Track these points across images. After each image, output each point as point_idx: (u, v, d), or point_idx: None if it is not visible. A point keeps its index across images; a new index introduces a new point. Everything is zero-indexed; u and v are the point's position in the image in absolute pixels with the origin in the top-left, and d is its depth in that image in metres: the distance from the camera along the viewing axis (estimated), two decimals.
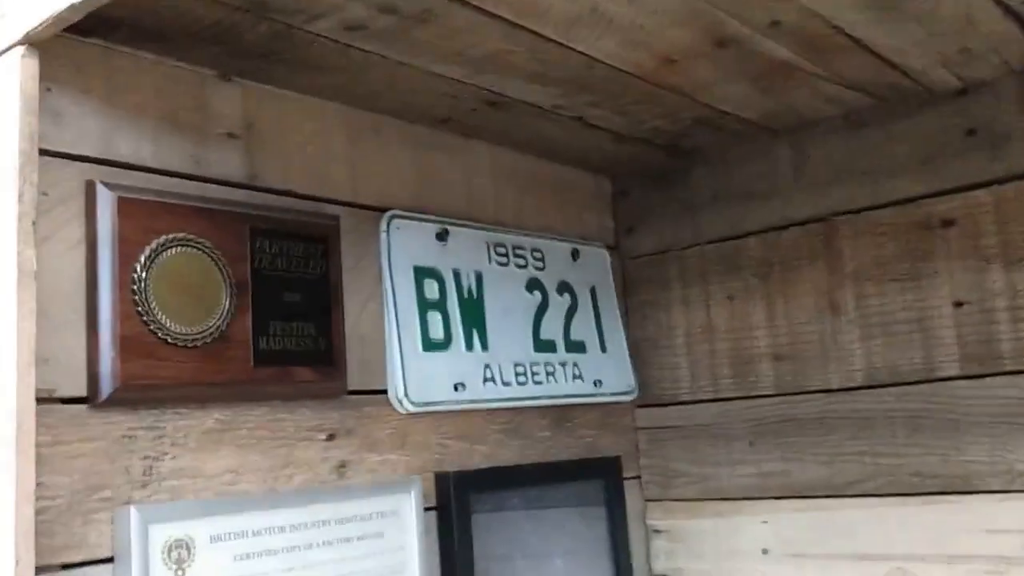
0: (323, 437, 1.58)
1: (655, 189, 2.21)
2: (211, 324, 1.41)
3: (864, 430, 1.90)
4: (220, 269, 1.43)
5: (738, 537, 2.04)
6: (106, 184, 1.35)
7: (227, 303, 1.43)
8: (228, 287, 1.44)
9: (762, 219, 2.05)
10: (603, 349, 2.09)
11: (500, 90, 1.68)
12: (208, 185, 1.48)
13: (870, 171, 1.92)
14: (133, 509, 1.31)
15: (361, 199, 1.71)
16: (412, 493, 1.65)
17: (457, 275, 1.82)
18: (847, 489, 1.91)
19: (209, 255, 1.42)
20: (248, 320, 1.46)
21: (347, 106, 1.71)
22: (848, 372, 1.93)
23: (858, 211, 1.93)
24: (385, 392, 1.69)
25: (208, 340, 1.40)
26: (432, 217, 1.81)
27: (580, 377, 2.02)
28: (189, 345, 1.38)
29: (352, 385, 1.63)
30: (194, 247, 1.41)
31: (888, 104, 1.89)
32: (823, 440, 1.94)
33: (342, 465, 1.60)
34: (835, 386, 1.94)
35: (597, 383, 2.06)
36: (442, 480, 1.73)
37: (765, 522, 2.00)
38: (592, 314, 2.10)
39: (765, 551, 2.00)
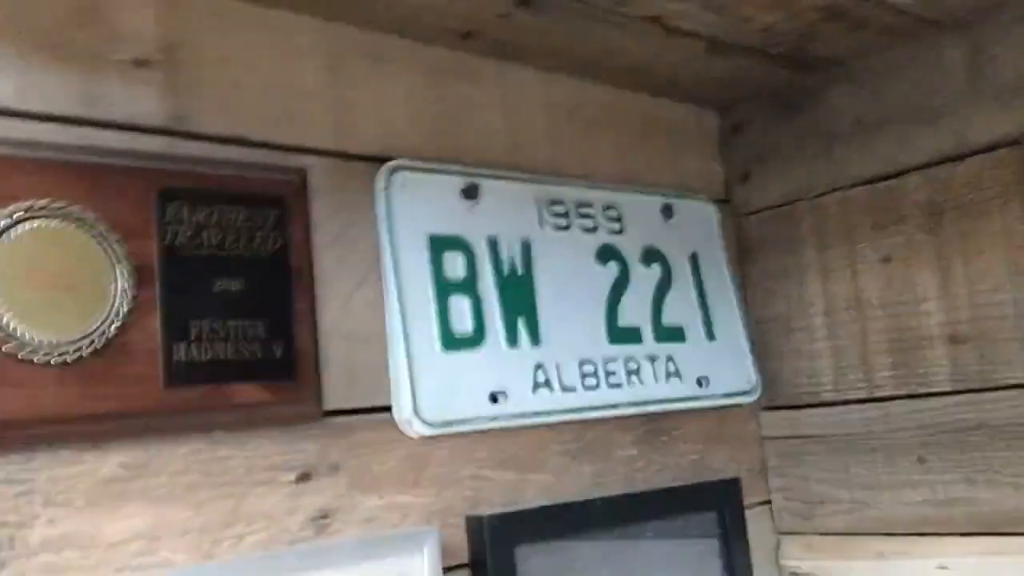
0: (292, 478, 1.13)
1: (778, 118, 1.66)
2: (92, 330, 0.97)
3: None
4: (106, 249, 1.00)
5: None
6: None
7: (118, 298, 0.99)
8: (120, 275, 1.00)
9: (928, 148, 1.49)
10: (711, 336, 1.57)
11: None
12: (106, 132, 1.05)
13: None
14: None
15: (348, 146, 1.25)
16: (425, 549, 1.19)
17: (494, 245, 1.34)
18: None
19: (89, 230, 0.99)
20: (155, 321, 1.02)
21: (327, 21, 1.25)
22: None
23: None
24: (388, 409, 1.23)
25: (87, 353, 0.97)
26: (456, 168, 1.33)
27: (678, 374, 1.51)
28: (55, 362, 0.95)
29: (334, 403, 1.17)
30: (64, 219, 0.98)
31: None
32: None
33: (323, 515, 1.15)
34: None
35: (703, 381, 1.54)
36: (475, 526, 1.26)
37: (944, 567, 1.46)
38: (694, 290, 1.57)
39: None
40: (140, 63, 1.09)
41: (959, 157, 1.45)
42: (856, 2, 1.33)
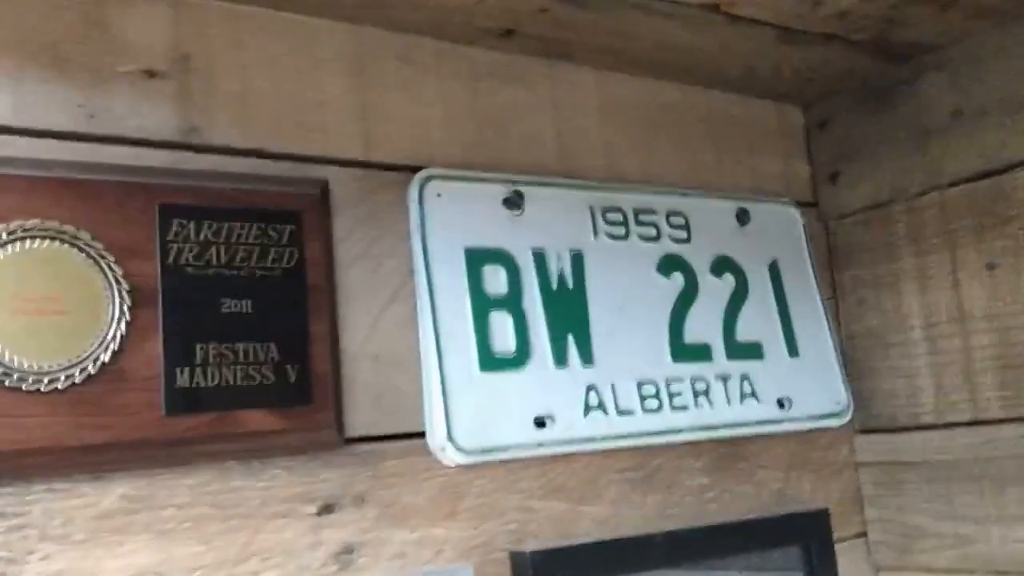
0: (313, 510, 1.06)
1: (868, 113, 1.51)
2: (85, 355, 0.92)
3: None
4: (103, 270, 0.95)
5: None
6: None
7: (113, 321, 0.94)
8: (117, 296, 0.95)
9: None
10: (793, 352, 1.43)
11: None
12: (109, 148, 1.01)
13: None
14: None
15: (375, 155, 1.18)
16: None
17: (540, 258, 1.24)
18: None
19: (83, 250, 0.94)
20: (156, 345, 0.96)
21: (351, 24, 1.18)
22: None
23: None
24: (422, 436, 1.14)
25: (80, 380, 0.92)
26: (497, 175, 1.25)
27: (754, 395, 1.37)
28: (44, 389, 0.90)
29: (360, 429, 1.10)
30: (55, 240, 0.93)
31: None
32: None
33: (347, 550, 1.07)
34: None
35: (784, 403, 1.40)
36: (519, 562, 1.16)
37: None
38: (773, 302, 1.44)
39: None
40: (150, 74, 1.05)
41: None
42: None
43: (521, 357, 1.20)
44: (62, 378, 0.91)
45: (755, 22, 1.27)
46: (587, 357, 1.24)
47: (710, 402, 1.33)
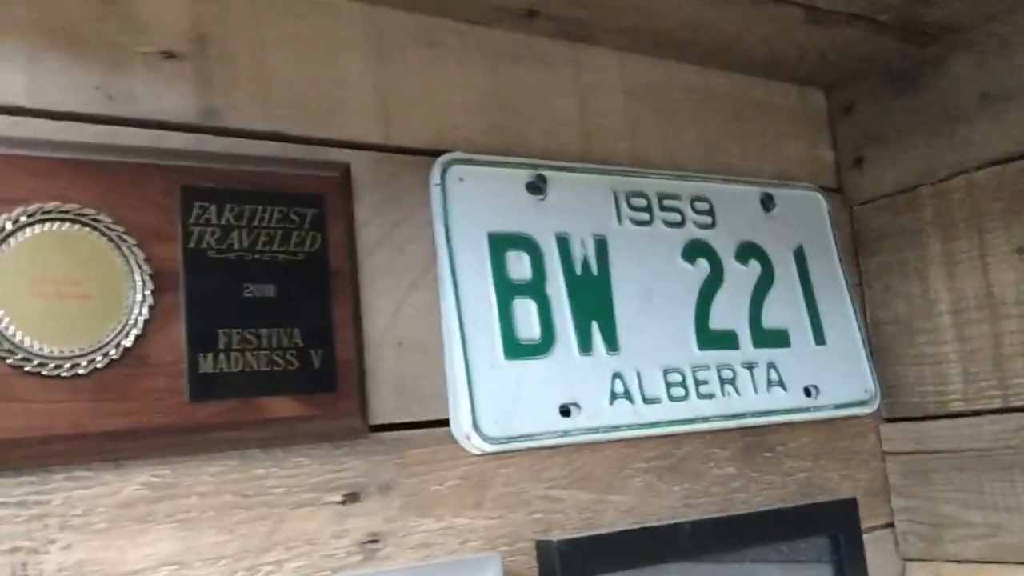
0: (337, 498, 1.04)
1: (893, 96, 1.49)
2: (106, 340, 0.90)
3: None
4: (123, 253, 0.93)
5: None
6: None
7: (135, 306, 0.92)
8: (139, 280, 0.93)
9: None
10: (820, 340, 1.41)
11: None
12: (127, 130, 0.99)
13: None
14: None
15: (397, 139, 1.16)
16: None
17: (564, 243, 1.22)
18: None
19: (104, 233, 0.92)
20: (178, 330, 0.94)
21: (371, 5, 1.16)
22: None
23: None
24: (446, 424, 1.12)
25: (101, 366, 0.90)
26: (519, 160, 1.22)
27: (781, 383, 1.35)
28: (65, 375, 0.88)
29: (384, 417, 1.08)
30: (75, 223, 0.91)
31: None
32: None
33: (372, 539, 1.05)
34: None
35: (811, 391, 1.38)
36: (545, 552, 1.14)
37: None
38: (799, 289, 1.42)
39: None
40: (168, 55, 1.02)
41: None
42: None
43: (546, 344, 1.18)
44: (83, 363, 0.89)
45: (782, 0, 1.24)
46: (612, 344, 1.22)
47: (736, 390, 1.31)
